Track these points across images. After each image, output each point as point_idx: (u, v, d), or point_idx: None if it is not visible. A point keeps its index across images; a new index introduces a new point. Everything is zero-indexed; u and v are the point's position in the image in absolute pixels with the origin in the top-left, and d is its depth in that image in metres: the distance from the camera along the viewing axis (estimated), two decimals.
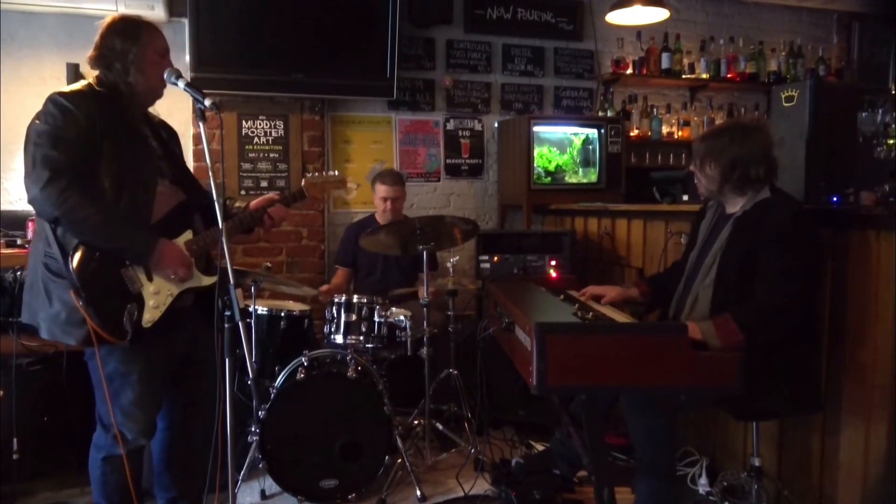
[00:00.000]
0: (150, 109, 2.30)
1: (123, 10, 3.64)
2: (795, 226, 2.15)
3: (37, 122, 2.00)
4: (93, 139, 1.99)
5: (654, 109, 4.93)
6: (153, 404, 2.21)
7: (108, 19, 2.14)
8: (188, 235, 2.21)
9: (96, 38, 2.12)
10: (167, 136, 2.33)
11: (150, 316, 2.08)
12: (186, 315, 2.22)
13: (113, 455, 2.16)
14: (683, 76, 4.92)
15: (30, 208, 3.46)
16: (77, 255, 1.97)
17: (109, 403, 2.10)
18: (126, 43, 2.08)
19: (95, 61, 2.11)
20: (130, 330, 2.03)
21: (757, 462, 2.40)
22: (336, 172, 2.61)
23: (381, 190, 3.72)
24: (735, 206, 2.33)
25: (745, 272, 2.19)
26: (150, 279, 2.10)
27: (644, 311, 2.75)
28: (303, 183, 2.52)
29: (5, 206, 3.67)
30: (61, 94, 2.03)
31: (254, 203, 2.39)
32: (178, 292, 2.15)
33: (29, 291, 2.12)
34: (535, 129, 4.25)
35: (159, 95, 2.21)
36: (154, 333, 2.10)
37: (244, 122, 4.16)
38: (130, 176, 2.06)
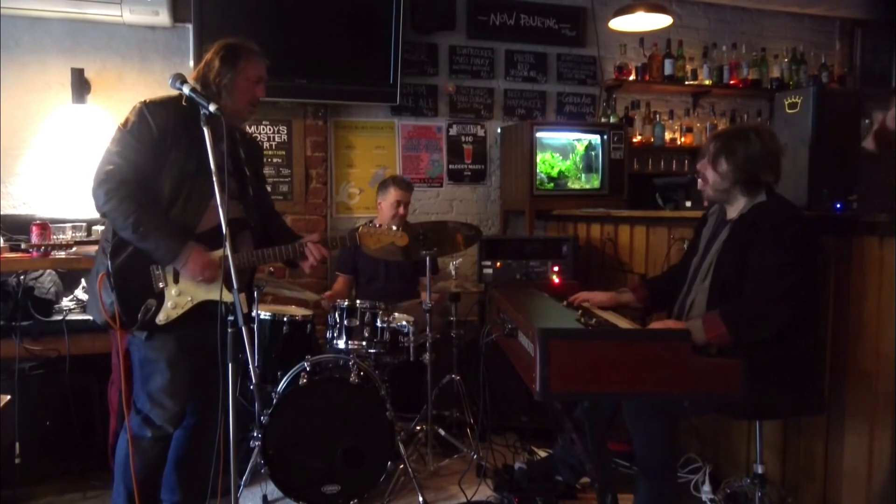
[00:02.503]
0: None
1: (128, 15, 3.66)
2: (788, 226, 2.17)
3: (121, 123, 2.19)
4: (161, 148, 2.16)
5: (657, 116, 4.93)
6: (181, 393, 2.26)
7: (217, 44, 2.29)
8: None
9: (206, 56, 2.28)
10: (246, 153, 2.41)
11: (164, 315, 2.18)
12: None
13: (138, 436, 2.24)
14: (686, 82, 4.92)
15: (32, 212, 3.55)
16: (116, 244, 2.15)
17: (135, 388, 2.25)
18: (224, 67, 2.24)
19: (196, 78, 2.25)
20: (140, 321, 2.15)
21: (760, 469, 2.39)
22: (397, 229, 2.57)
23: (397, 194, 3.68)
24: (735, 210, 2.35)
25: (741, 273, 2.21)
26: (175, 281, 2.20)
27: (641, 315, 2.76)
28: (359, 230, 2.49)
29: (8, 211, 3.67)
30: (147, 102, 2.19)
31: (305, 239, 2.41)
32: (200, 300, 2.22)
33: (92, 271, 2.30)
34: (538, 134, 4.26)
35: (245, 119, 2.39)
36: (177, 328, 2.20)
37: (247, 128, 4.17)
38: (188, 187, 2.19)
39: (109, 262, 2.12)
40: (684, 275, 2.50)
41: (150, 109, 2.17)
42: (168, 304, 2.18)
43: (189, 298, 2.21)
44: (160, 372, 2.22)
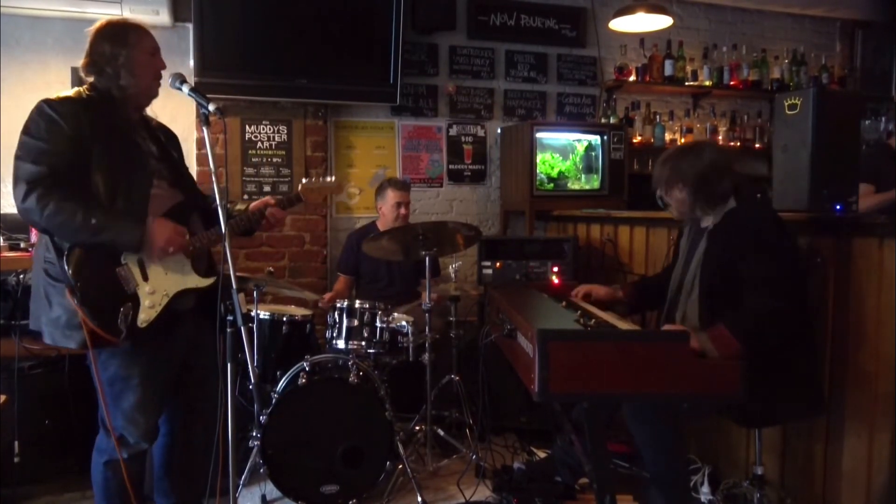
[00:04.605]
0: (150, 113, 2.31)
1: (128, 14, 3.66)
2: (769, 232, 2.20)
3: (23, 130, 2.00)
4: (80, 146, 1.99)
5: (657, 116, 4.93)
6: (155, 408, 2.20)
7: (95, 25, 2.13)
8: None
9: (86, 45, 2.11)
10: (165, 138, 2.32)
11: (145, 316, 2.06)
12: (186, 318, 2.21)
13: (115, 459, 2.15)
14: (686, 83, 4.92)
15: None
16: (71, 257, 1.97)
17: (107, 408, 2.11)
18: (115, 46, 2.08)
19: (87, 68, 2.11)
20: (125, 329, 2.01)
21: (759, 470, 2.39)
22: (332, 179, 2.58)
23: (396, 196, 3.72)
24: (709, 220, 2.38)
25: (725, 281, 2.23)
26: (145, 279, 2.08)
27: (626, 312, 2.79)
28: (299, 188, 2.48)
29: (8, 210, 3.66)
30: (48, 101, 2.02)
31: (252, 206, 2.38)
32: (175, 292, 2.14)
33: (33, 298, 2.13)
34: (538, 135, 4.25)
35: (154, 95, 2.21)
36: (152, 335, 2.09)
37: (247, 127, 4.17)
38: (123, 178, 2.06)
39: (70, 278, 1.95)
40: (668, 284, 2.53)
41: (53, 107, 1.99)
42: (145, 303, 2.06)
43: (165, 293, 2.12)
44: (133, 389, 2.11)
